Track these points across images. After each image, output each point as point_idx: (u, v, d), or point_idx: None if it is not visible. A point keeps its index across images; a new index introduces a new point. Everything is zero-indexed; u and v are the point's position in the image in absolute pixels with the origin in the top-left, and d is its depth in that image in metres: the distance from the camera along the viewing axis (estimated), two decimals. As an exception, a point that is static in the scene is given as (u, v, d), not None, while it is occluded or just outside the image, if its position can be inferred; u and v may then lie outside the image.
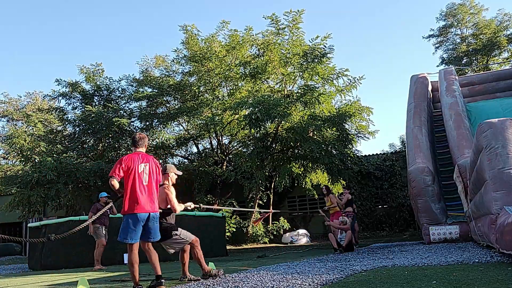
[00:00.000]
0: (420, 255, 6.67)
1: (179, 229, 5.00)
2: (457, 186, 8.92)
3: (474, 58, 24.19)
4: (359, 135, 15.94)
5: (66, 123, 16.74)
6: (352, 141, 15.55)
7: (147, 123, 16.16)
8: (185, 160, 17.22)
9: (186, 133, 17.21)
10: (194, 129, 16.71)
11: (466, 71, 22.16)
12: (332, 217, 10.19)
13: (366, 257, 7.19)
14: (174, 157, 17.44)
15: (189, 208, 5.45)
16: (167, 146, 15.96)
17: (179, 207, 4.94)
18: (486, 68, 21.87)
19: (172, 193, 4.95)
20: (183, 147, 17.35)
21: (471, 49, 23.87)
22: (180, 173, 5.33)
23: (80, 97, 16.57)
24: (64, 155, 14.14)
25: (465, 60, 24.29)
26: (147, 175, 4.40)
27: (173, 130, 17.81)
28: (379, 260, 6.25)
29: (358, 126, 15.87)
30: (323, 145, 14.37)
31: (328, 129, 14.95)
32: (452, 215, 9.06)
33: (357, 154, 16.72)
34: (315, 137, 14.72)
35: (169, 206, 4.92)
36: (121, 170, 4.31)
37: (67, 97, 16.44)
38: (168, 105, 16.73)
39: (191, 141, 17.15)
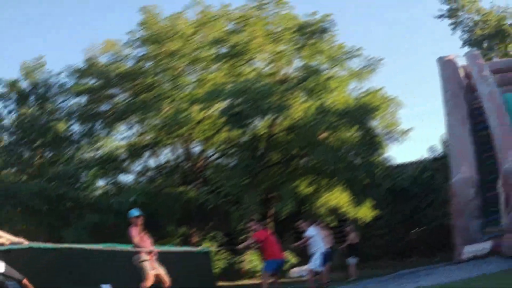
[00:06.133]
0: (446, 274, 10.81)
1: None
2: (499, 197, 13.23)
3: (494, 43, 30.72)
4: (388, 136, 19.15)
5: (2, 131, 20.40)
6: (381, 145, 18.56)
7: (89, 125, 19.42)
8: (143, 178, 20.51)
9: (140, 138, 20.35)
10: (151, 132, 19.73)
11: (491, 55, 28.48)
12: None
13: (390, 283, 11.40)
14: (126, 173, 20.69)
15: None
16: (114, 159, 19.19)
17: None
18: (506, 55, 28.15)
19: None
20: (137, 160, 20.54)
21: (486, 33, 30.53)
22: None
23: (17, 98, 20.32)
24: (3, 171, 17.76)
25: (486, 44, 31.33)
26: None
27: (122, 135, 21.04)
28: (402, 285, 10.27)
29: (386, 123, 19.07)
30: (340, 152, 17.11)
31: (346, 128, 17.74)
32: (488, 232, 13.26)
33: (389, 163, 19.74)
34: (328, 140, 17.43)
35: None
36: None
37: (4, 98, 20.22)
38: (114, 100, 20.07)
39: (148, 151, 20.26)
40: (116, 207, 16.81)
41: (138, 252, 10.17)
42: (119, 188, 19.87)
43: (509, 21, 32.33)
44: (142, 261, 10.07)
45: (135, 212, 10.37)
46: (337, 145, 17.28)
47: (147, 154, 20.84)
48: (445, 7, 33.72)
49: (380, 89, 19.40)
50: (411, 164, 24.38)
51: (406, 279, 11.89)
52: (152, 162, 21.54)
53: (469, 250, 12.91)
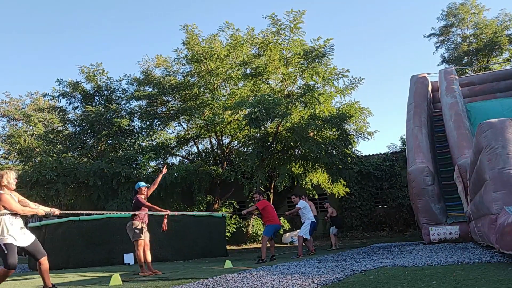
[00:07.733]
0: (420, 255, 6.64)
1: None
2: (457, 186, 8.89)
3: (474, 58, 24.15)
4: (359, 135, 15.92)
5: (67, 123, 16.82)
6: (352, 142, 15.50)
7: (148, 122, 16.20)
8: (186, 160, 17.18)
9: (187, 133, 17.22)
10: (195, 129, 16.68)
11: (467, 71, 22.05)
12: None
13: (366, 257, 7.17)
14: (174, 157, 17.49)
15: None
16: (167, 146, 15.95)
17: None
18: (486, 68, 21.79)
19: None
20: (183, 147, 17.39)
21: (472, 49, 23.79)
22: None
23: (81, 97, 16.61)
24: (64, 155, 14.19)
25: (465, 60, 24.24)
26: None
27: (174, 130, 17.92)
28: (379, 260, 6.23)
29: (358, 126, 15.89)
30: (323, 145, 14.37)
31: (328, 130, 14.93)
32: (452, 215, 9.04)
33: (357, 154, 16.61)
34: (315, 137, 14.70)
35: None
36: None
37: (68, 97, 16.46)
38: (168, 105, 16.71)
39: (192, 141, 17.15)
40: (161, 181, 12.88)
41: (133, 219, 6.86)
42: (167, 167, 15.97)
43: (508, 32, 23.31)
44: (137, 228, 6.79)
45: (142, 183, 7.11)
46: (321, 140, 14.64)
47: (191, 143, 17.79)
48: (439, 24, 25.44)
49: (356, 102, 16.01)
50: (374, 155, 20.11)
51: (382, 254, 7.45)
52: (194, 149, 18.39)
53: (435, 232, 8.27)
